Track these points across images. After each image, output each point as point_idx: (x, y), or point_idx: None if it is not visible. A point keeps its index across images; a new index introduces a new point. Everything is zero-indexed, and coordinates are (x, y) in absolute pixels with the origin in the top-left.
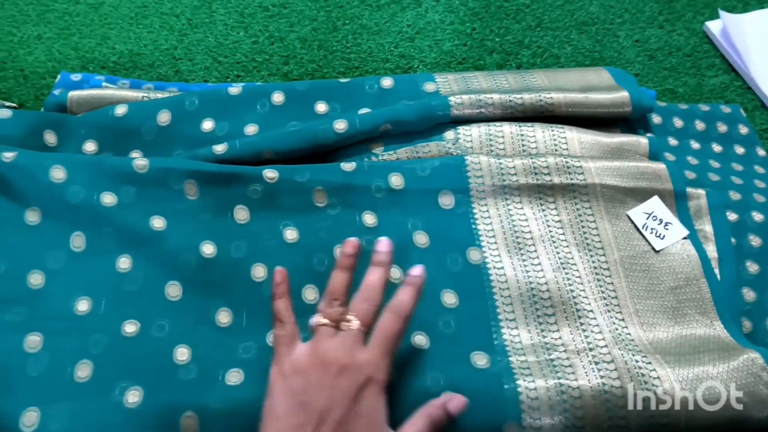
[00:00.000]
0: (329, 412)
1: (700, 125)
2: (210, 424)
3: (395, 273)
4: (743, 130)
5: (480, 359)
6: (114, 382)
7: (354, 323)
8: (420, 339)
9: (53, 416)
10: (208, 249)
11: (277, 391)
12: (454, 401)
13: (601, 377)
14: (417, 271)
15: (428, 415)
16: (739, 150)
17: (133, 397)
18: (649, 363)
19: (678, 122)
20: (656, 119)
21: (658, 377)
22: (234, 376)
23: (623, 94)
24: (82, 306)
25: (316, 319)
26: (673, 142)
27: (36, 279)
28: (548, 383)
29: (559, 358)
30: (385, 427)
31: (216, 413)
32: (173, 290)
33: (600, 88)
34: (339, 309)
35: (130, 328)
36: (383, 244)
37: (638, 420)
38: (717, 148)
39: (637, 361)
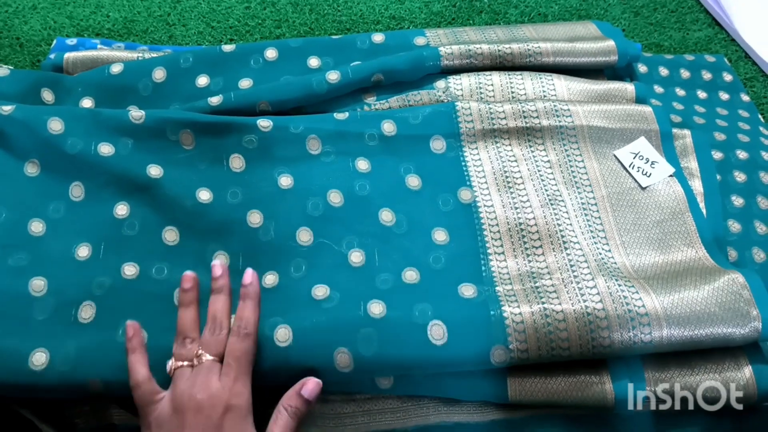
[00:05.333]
0: None
1: (685, 73)
2: None
3: (387, 216)
4: (727, 77)
5: (467, 290)
6: (117, 322)
7: (206, 357)
8: (411, 274)
9: (60, 357)
10: (204, 195)
11: None
12: (307, 385)
13: (584, 301)
14: (248, 278)
15: (285, 407)
16: (724, 96)
17: None
18: (632, 286)
19: (663, 71)
20: (642, 69)
21: (641, 298)
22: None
23: (609, 43)
24: (83, 251)
25: (171, 364)
26: (659, 89)
27: (37, 227)
28: (533, 308)
29: (544, 285)
30: None
31: None
32: (170, 235)
33: (587, 38)
34: (191, 347)
35: (130, 270)
36: (216, 270)
37: (622, 341)
38: (702, 94)
39: (620, 286)
